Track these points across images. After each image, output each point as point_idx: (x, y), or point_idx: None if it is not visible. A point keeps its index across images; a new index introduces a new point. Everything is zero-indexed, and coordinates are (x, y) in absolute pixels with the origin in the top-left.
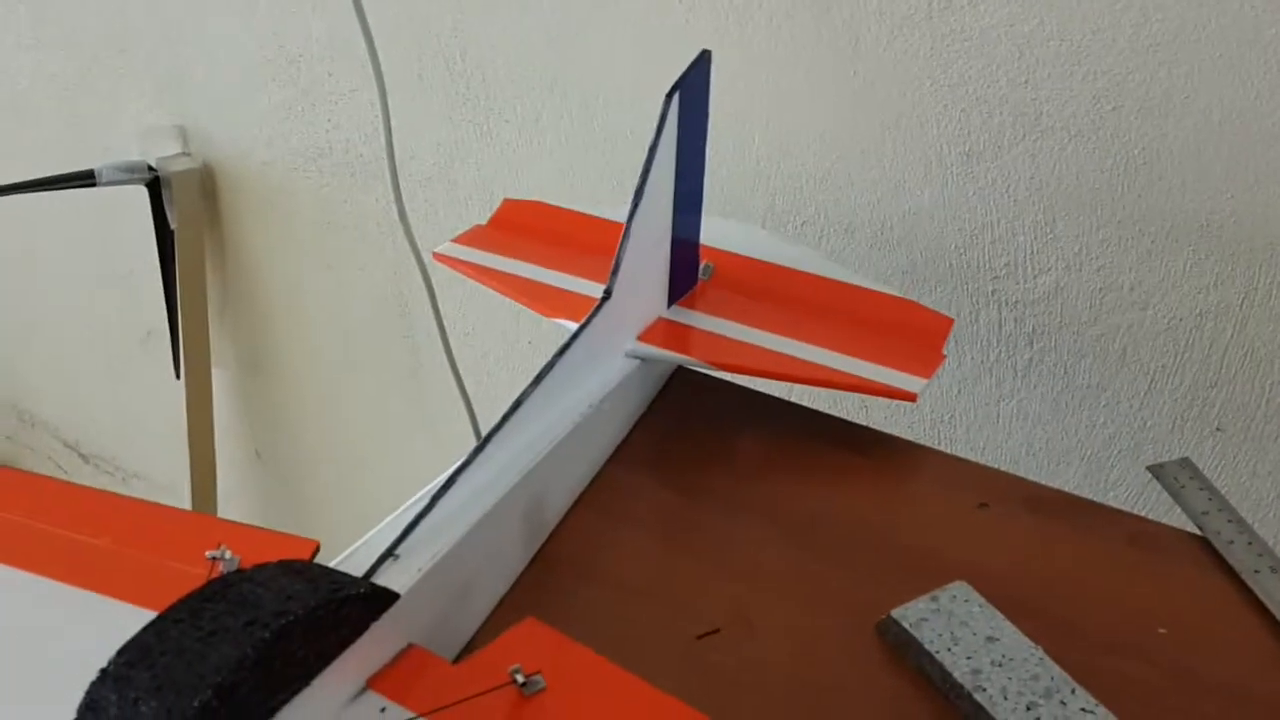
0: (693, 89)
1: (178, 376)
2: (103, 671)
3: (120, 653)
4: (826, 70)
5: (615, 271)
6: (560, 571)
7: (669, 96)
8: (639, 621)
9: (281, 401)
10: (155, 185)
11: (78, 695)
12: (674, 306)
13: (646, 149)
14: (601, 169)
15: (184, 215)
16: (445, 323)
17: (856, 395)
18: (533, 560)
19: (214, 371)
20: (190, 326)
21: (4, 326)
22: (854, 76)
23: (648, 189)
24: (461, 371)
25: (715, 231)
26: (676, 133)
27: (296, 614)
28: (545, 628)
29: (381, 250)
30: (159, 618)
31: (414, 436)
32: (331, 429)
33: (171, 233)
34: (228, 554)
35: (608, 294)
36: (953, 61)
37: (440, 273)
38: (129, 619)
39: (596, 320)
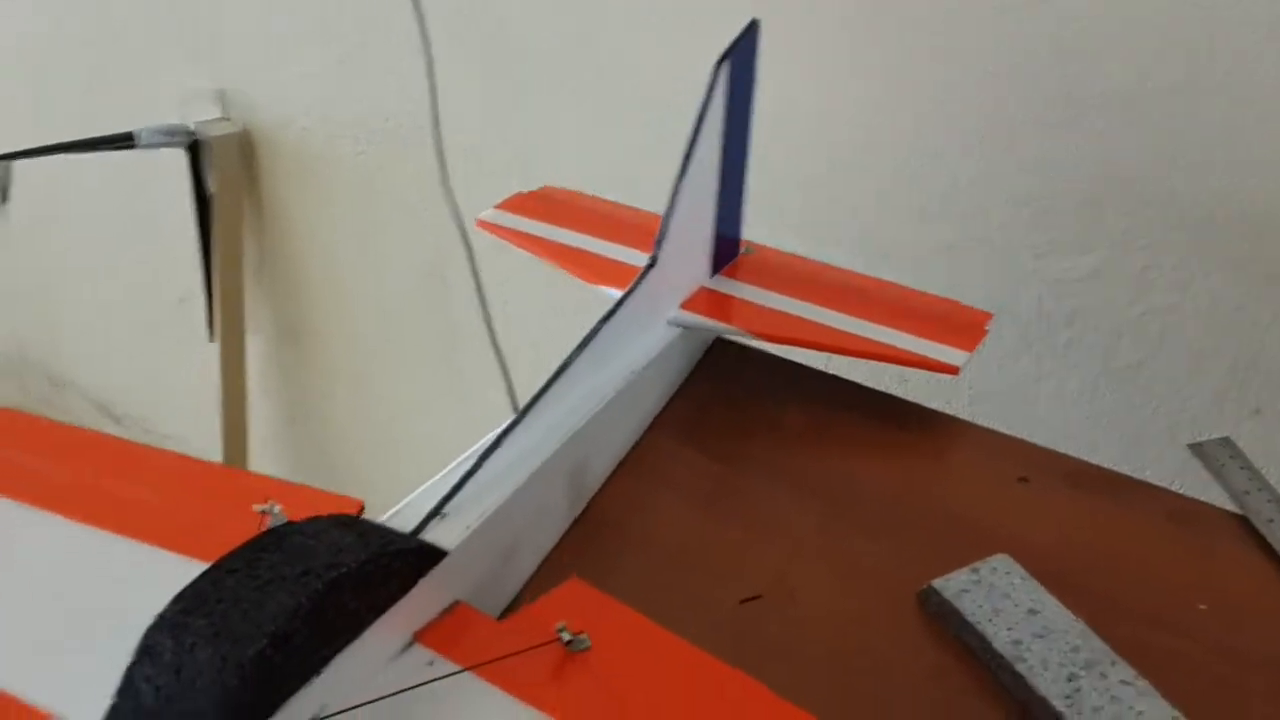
0: (741, 58)
1: (211, 340)
2: (160, 618)
3: (177, 599)
4: (873, 39)
5: (661, 239)
6: (602, 535)
7: (718, 65)
8: (681, 586)
9: (316, 368)
10: (194, 149)
11: (132, 642)
12: (716, 276)
13: (687, 119)
14: (642, 139)
15: (223, 180)
16: (484, 292)
17: (894, 370)
18: (575, 523)
19: (248, 337)
20: (226, 291)
21: (38, 289)
22: (900, 47)
23: (694, 158)
24: (499, 341)
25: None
26: (724, 102)
27: (349, 566)
28: (589, 588)
29: (420, 219)
30: (214, 566)
31: (449, 406)
32: (366, 397)
33: (209, 197)
34: (276, 508)
35: (653, 262)
36: (1001, 34)
37: (480, 242)
38: (178, 569)
39: (641, 287)
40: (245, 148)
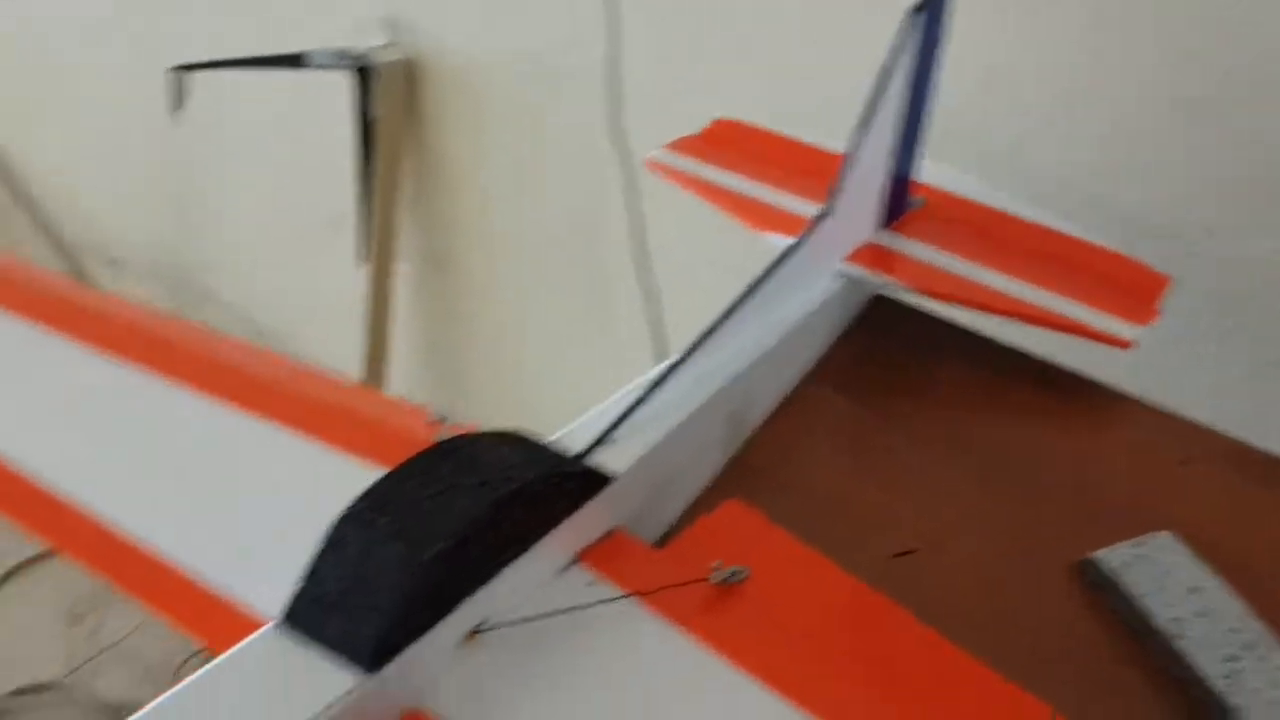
0: (935, 11)
1: (361, 264)
2: (346, 513)
3: (363, 497)
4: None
5: (836, 191)
6: (754, 478)
7: (910, 15)
8: (832, 535)
9: (460, 300)
10: (361, 73)
11: (315, 536)
12: (884, 231)
13: (870, 74)
14: (826, 90)
15: (387, 106)
16: (645, 234)
17: (1052, 340)
18: (728, 464)
19: (397, 263)
20: (380, 217)
21: (199, 197)
22: (1099, 13)
23: (877, 109)
24: (657, 286)
25: (928, 173)
26: (913, 54)
27: (525, 480)
28: (748, 510)
29: (581, 157)
30: (397, 469)
31: (589, 347)
32: (507, 332)
33: (371, 122)
34: (448, 420)
35: (827, 212)
36: (1205, 7)
37: (644, 183)
38: (353, 470)
39: (812, 237)
40: (411, 75)
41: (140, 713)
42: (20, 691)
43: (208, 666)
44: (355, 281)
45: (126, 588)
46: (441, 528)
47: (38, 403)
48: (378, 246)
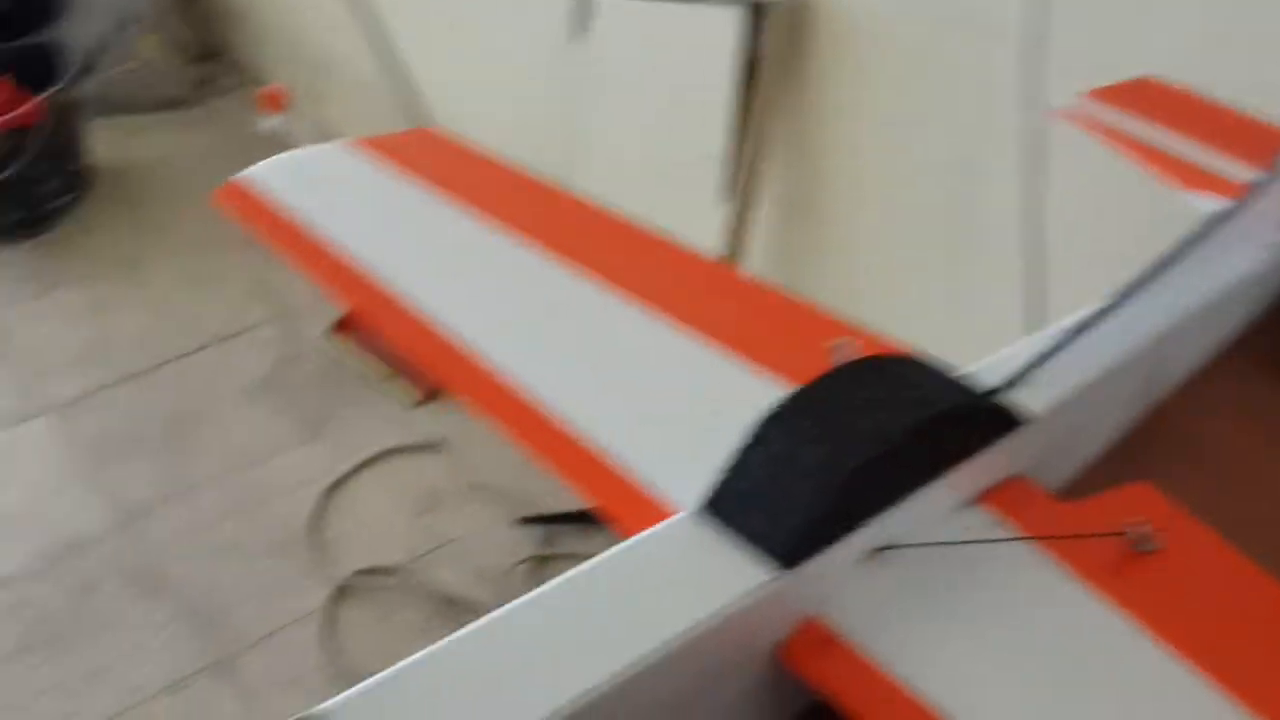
0: None
1: (723, 202)
2: (771, 414)
3: (787, 402)
4: None
5: None
6: (1163, 444)
7: None
8: (1241, 517)
9: (816, 248)
10: (752, 11)
11: (714, 434)
12: None
13: None
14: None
15: (773, 45)
16: (1033, 198)
17: None
18: (1137, 427)
19: (759, 206)
20: (749, 157)
21: (578, 126)
22: None
23: None
24: (1034, 251)
25: None
26: None
27: (944, 407)
28: (1159, 495)
29: (974, 110)
30: (819, 379)
31: (948, 310)
32: (860, 286)
33: (756, 61)
34: (848, 344)
35: (1269, 177)
36: None
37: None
38: (755, 379)
39: (1251, 202)
40: (803, 17)
41: (567, 574)
42: (365, 571)
43: (624, 544)
44: (714, 221)
45: (555, 464)
46: (864, 439)
47: (476, 283)
48: (743, 187)
